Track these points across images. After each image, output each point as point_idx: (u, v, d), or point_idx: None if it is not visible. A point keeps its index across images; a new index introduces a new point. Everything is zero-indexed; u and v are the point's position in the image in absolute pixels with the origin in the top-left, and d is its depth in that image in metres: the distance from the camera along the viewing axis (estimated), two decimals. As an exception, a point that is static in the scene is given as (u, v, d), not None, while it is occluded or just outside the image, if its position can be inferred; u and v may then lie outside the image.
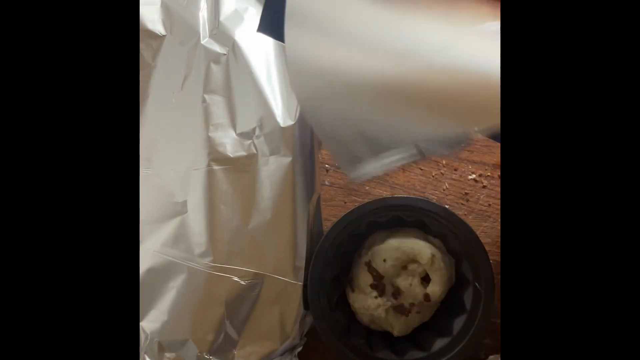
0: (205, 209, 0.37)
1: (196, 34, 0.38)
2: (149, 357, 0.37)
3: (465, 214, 0.42)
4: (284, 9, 0.28)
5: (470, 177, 0.43)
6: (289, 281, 0.38)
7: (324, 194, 0.42)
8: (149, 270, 0.37)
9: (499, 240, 0.42)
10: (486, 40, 0.25)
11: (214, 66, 0.38)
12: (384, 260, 0.38)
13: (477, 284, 0.38)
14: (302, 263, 0.38)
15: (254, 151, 0.37)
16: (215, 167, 0.38)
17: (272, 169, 0.37)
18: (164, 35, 0.38)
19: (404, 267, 0.38)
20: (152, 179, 0.38)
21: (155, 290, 0.37)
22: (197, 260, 0.37)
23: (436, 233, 0.39)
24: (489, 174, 0.42)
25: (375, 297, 0.38)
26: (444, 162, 0.43)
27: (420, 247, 0.38)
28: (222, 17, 0.38)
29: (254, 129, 0.37)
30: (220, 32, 0.38)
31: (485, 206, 0.42)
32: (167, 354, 0.38)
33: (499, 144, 0.29)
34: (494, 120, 0.24)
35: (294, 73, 0.29)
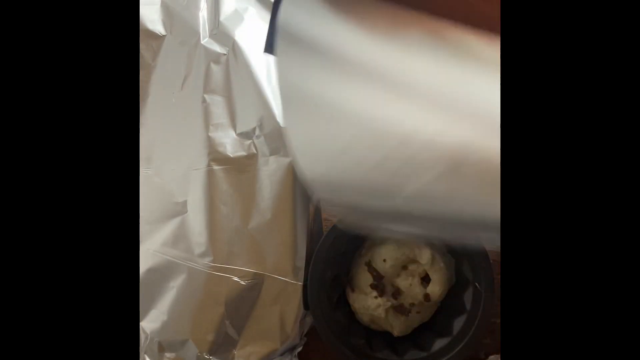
0: (205, 209, 0.37)
1: (196, 34, 0.38)
2: (149, 357, 0.37)
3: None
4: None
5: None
6: (289, 281, 0.38)
7: (324, 194, 0.42)
8: (149, 270, 0.37)
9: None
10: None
11: (214, 66, 0.38)
12: (384, 260, 0.38)
13: (477, 284, 0.38)
14: (302, 263, 0.38)
15: (254, 151, 0.37)
16: (215, 167, 0.38)
17: (272, 169, 0.37)
18: (164, 35, 0.38)
19: (404, 267, 0.38)
20: (152, 179, 0.38)
21: (155, 290, 0.37)
22: (197, 260, 0.37)
23: (436, 233, 0.39)
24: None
25: (375, 297, 0.38)
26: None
27: (420, 247, 0.38)
28: (222, 17, 0.38)
29: (254, 129, 0.37)
30: (220, 32, 0.38)
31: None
32: (167, 354, 0.38)
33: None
34: None
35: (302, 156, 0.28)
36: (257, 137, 0.37)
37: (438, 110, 0.24)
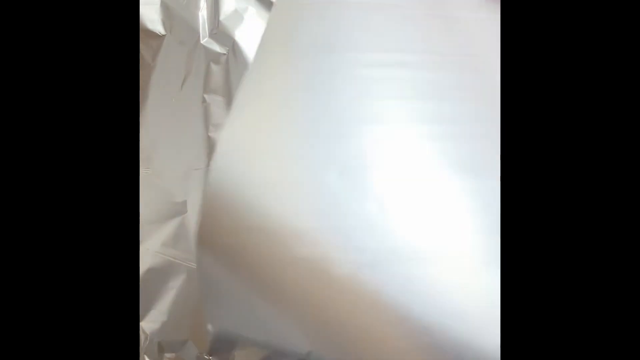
0: (205, 209, 0.37)
1: (196, 33, 0.38)
2: (149, 357, 0.37)
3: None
4: None
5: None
6: (289, 281, 0.38)
7: (324, 194, 0.42)
8: (149, 270, 0.37)
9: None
10: None
11: (213, 66, 0.38)
12: (384, 261, 0.38)
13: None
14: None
15: (254, 151, 0.37)
16: (215, 167, 0.38)
17: (272, 169, 0.37)
18: (163, 35, 0.38)
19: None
20: (152, 179, 0.38)
21: (155, 290, 0.37)
22: (197, 260, 0.37)
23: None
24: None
25: (376, 297, 0.38)
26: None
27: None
28: (222, 17, 0.38)
29: (253, 129, 0.37)
30: (220, 32, 0.38)
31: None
32: (167, 355, 0.38)
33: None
34: None
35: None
36: (257, 137, 0.37)
37: None
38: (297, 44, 0.26)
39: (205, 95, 0.38)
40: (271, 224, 0.23)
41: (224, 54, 0.38)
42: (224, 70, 0.38)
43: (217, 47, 0.38)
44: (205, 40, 0.38)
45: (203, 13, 0.38)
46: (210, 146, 0.37)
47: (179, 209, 0.38)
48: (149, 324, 0.37)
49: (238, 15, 0.38)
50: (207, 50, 0.38)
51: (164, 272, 0.37)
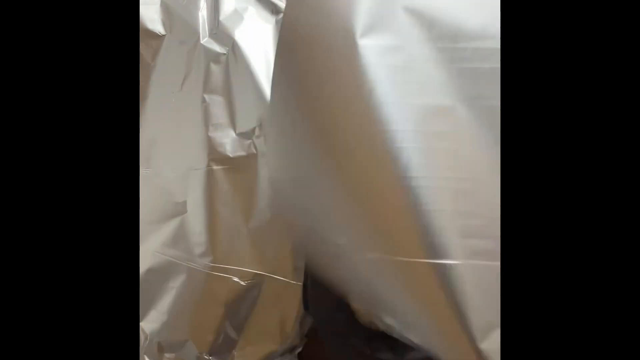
0: (205, 208, 0.37)
1: (196, 33, 0.38)
2: (149, 357, 0.37)
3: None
4: None
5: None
6: (289, 281, 0.38)
7: (324, 194, 0.42)
8: (149, 271, 0.37)
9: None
10: None
11: (213, 66, 0.38)
12: (384, 261, 0.38)
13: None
14: (302, 263, 0.38)
15: (254, 151, 0.37)
16: (215, 167, 0.38)
17: (272, 169, 0.37)
18: (163, 35, 0.38)
19: (404, 267, 0.38)
20: (152, 179, 0.38)
21: (155, 290, 0.37)
22: (197, 260, 0.37)
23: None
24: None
25: (376, 297, 0.38)
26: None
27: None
28: (221, 17, 0.38)
29: (253, 129, 0.37)
30: (220, 32, 0.38)
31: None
32: (167, 355, 0.38)
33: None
34: None
35: None
36: (257, 137, 0.37)
37: None
38: None
39: (205, 95, 0.38)
40: None
41: (224, 54, 0.38)
42: (223, 70, 0.38)
43: (217, 47, 0.38)
44: (205, 40, 0.38)
45: (203, 13, 0.38)
46: (210, 146, 0.37)
47: (179, 209, 0.38)
48: (149, 324, 0.37)
49: (238, 15, 0.38)
50: (207, 50, 0.38)
51: (164, 272, 0.37)
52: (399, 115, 0.25)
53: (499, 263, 0.22)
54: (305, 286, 0.38)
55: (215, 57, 0.38)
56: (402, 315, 0.29)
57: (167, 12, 0.38)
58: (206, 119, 0.38)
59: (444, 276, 0.25)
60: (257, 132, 0.37)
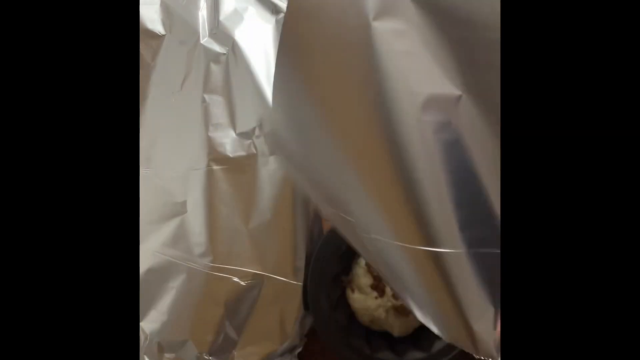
0: (205, 209, 0.37)
1: (196, 33, 0.38)
2: (149, 357, 0.37)
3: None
4: None
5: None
6: (288, 281, 0.38)
7: (323, 194, 0.42)
8: (149, 270, 0.37)
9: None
10: None
11: (213, 66, 0.38)
12: (384, 261, 0.38)
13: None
14: (302, 263, 0.38)
15: (254, 151, 0.37)
16: (215, 167, 0.38)
17: (272, 169, 0.37)
18: (163, 35, 0.38)
19: (404, 267, 0.38)
20: (152, 179, 0.38)
21: (155, 290, 0.37)
22: (196, 260, 0.37)
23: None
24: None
25: (376, 298, 0.38)
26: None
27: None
28: (221, 17, 0.38)
29: (253, 129, 0.37)
30: (220, 32, 0.38)
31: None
32: (167, 355, 0.38)
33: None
34: None
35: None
36: (257, 137, 0.37)
37: None
38: None
39: (205, 95, 0.38)
40: None
41: (224, 53, 0.38)
42: (223, 70, 0.38)
43: (217, 47, 0.38)
44: (205, 40, 0.38)
45: (203, 13, 0.38)
46: (210, 146, 0.37)
47: (179, 209, 0.38)
48: (148, 324, 0.37)
49: (238, 15, 0.38)
50: (207, 50, 0.38)
51: (164, 272, 0.37)
52: (403, 102, 0.25)
53: (494, 250, 0.23)
54: (305, 286, 0.38)
55: (215, 57, 0.38)
56: (404, 290, 0.30)
57: (167, 12, 0.38)
58: (206, 119, 0.38)
59: (440, 262, 0.26)
60: (257, 132, 0.37)
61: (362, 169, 0.27)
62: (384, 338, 0.40)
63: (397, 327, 0.39)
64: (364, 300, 0.38)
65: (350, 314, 0.40)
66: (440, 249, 0.26)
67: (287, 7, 0.27)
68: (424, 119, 0.25)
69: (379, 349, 0.39)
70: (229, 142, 0.38)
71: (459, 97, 0.25)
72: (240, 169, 0.37)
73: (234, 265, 0.37)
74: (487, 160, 0.25)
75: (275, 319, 0.38)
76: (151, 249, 0.37)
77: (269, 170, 0.37)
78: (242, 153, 0.37)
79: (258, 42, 0.38)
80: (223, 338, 0.38)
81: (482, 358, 0.27)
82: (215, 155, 0.37)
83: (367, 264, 0.38)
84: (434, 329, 0.29)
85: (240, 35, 0.38)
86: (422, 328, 0.39)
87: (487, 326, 0.26)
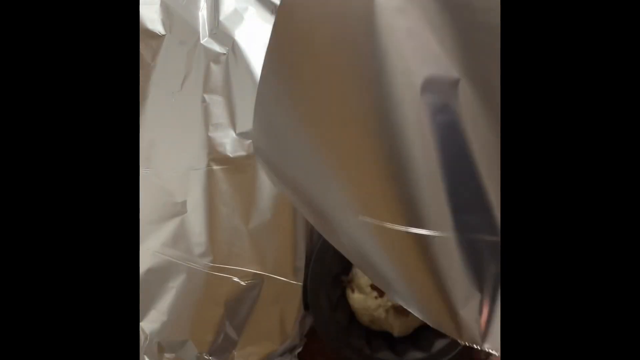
0: (205, 209, 0.37)
1: (196, 33, 0.38)
2: (149, 357, 0.37)
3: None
4: None
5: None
6: (288, 281, 0.38)
7: (323, 194, 0.42)
8: (149, 271, 0.37)
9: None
10: None
11: (213, 66, 0.38)
12: (384, 261, 0.38)
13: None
14: (302, 263, 0.38)
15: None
16: (215, 167, 0.38)
17: (272, 169, 0.37)
18: (163, 35, 0.38)
19: (404, 267, 0.38)
20: (152, 179, 0.38)
21: (155, 290, 0.37)
22: (196, 260, 0.37)
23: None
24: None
25: (376, 298, 0.38)
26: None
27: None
28: (221, 17, 0.38)
29: (253, 129, 0.37)
30: (220, 32, 0.38)
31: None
32: (167, 355, 0.38)
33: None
34: None
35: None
36: (257, 137, 0.37)
37: None
38: None
39: (205, 95, 0.38)
40: None
41: (224, 53, 0.38)
42: (223, 70, 0.38)
43: (217, 47, 0.38)
44: (205, 40, 0.38)
45: (203, 13, 0.38)
46: (210, 146, 0.37)
47: (179, 209, 0.38)
48: (148, 324, 0.37)
49: (238, 15, 0.38)
50: (207, 50, 0.38)
51: (164, 272, 0.37)
52: (401, 81, 0.25)
53: (485, 236, 0.22)
54: (305, 286, 0.38)
55: (215, 57, 0.38)
56: (384, 277, 0.30)
57: (167, 12, 0.38)
58: (206, 119, 0.38)
59: (426, 245, 0.26)
60: (257, 132, 0.37)
61: (350, 146, 0.27)
62: (384, 338, 0.40)
63: (397, 327, 0.39)
64: (364, 300, 0.38)
65: (350, 314, 0.40)
66: (428, 230, 0.26)
67: None
68: (422, 100, 0.25)
69: (379, 349, 0.39)
70: (229, 142, 0.38)
71: (457, 81, 0.25)
72: (240, 169, 0.37)
73: (234, 265, 0.37)
74: (483, 145, 0.25)
75: (275, 319, 0.38)
76: (151, 249, 0.37)
77: (269, 170, 0.37)
78: (242, 153, 0.37)
79: (258, 42, 0.38)
80: (223, 338, 0.38)
81: (466, 343, 0.27)
82: (215, 155, 0.37)
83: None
84: (417, 312, 0.29)
85: (240, 35, 0.38)
86: (422, 328, 0.39)
87: (472, 312, 0.26)
